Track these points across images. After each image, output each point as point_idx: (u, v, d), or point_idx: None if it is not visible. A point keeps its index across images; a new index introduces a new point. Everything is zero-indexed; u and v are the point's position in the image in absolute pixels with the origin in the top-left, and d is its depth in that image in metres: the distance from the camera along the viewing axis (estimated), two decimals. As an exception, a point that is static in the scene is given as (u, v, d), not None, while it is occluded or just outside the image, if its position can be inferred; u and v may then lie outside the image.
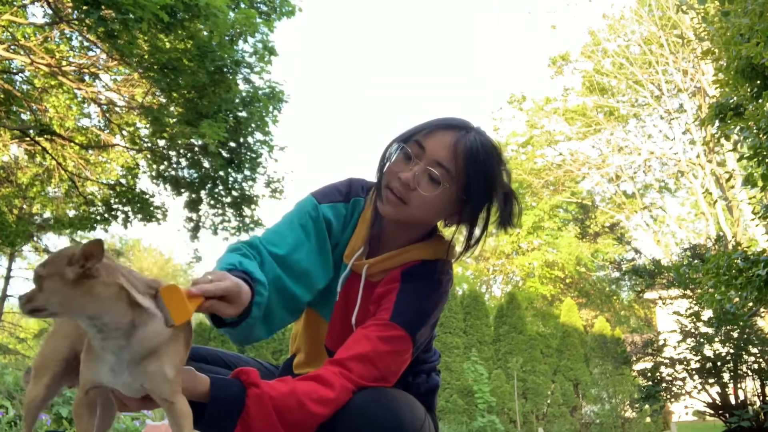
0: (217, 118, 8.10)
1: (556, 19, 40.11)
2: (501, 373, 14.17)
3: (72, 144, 9.96)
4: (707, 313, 6.52)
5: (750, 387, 6.59)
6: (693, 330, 6.61)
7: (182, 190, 10.13)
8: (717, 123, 5.51)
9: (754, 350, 6.36)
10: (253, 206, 10.12)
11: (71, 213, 10.91)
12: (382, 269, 1.40)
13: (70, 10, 7.43)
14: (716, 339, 6.42)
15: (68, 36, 9.17)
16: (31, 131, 9.33)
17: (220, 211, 10.21)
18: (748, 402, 6.41)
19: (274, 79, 9.28)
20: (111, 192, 10.43)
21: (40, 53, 8.44)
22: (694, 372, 6.61)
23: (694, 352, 6.57)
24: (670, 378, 6.83)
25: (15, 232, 9.73)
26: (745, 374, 6.50)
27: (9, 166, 10.80)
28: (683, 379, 6.74)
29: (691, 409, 6.95)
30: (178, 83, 7.88)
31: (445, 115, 1.40)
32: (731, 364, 6.44)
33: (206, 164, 9.72)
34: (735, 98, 5.28)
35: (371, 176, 1.46)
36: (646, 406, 7.26)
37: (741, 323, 6.15)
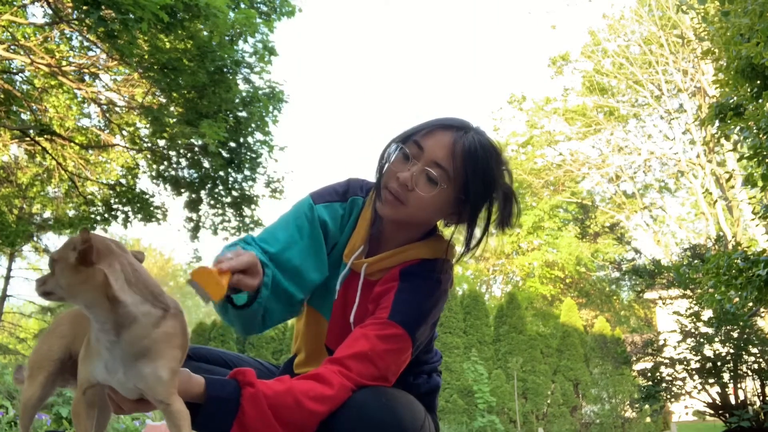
0: (217, 118, 8.09)
1: (556, 19, 40.12)
2: (501, 373, 14.17)
3: (72, 144, 9.96)
4: (707, 313, 6.52)
5: (750, 387, 6.59)
6: (693, 330, 6.61)
7: (182, 190, 10.12)
8: (717, 123, 5.51)
9: (754, 350, 6.35)
10: (253, 206, 10.12)
11: (71, 213, 10.90)
12: (381, 268, 1.40)
13: (70, 10, 7.43)
14: (716, 339, 6.41)
15: (68, 36, 9.17)
16: (31, 131, 9.32)
17: (220, 211, 10.20)
18: (748, 402, 6.41)
19: (274, 79, 9.28)
20: (111, 192, 10.43)
21: (40, 53, 8.43)
22: (694, 372, 6.60)
23: (694, 352, 6.57)
24: (670, 378, 6.83)
25: (15, 232, 9.72)
26: (745, 374, 6.50)
27: (9, 166, 10.80)
28: (683, 379, 6.74)
29: (691, 409, 6.95)
30: (178, 83, 7.88)
31: (444, 115, 1.40)
32: (731, 364, 6.43)
33: (206, 164, 9.72)
34: (735, 98, 5.28)
35: (372, 176, 1.47)
36: (646, 406, 7.26)
37: (741, 323, 6.15)
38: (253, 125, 8.97)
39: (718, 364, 6.45)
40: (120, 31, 6.36)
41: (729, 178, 13.44)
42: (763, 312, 6.54)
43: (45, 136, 9.44)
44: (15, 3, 8.08)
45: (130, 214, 10.19)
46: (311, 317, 1.48)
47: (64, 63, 8.99)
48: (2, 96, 8.58)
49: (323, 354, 1.43)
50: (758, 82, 4.90)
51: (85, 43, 8.91)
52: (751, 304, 5.34)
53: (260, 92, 8.89)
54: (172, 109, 8.74)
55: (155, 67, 7.70)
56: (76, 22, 7.45)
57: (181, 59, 7.60)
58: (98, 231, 10.28)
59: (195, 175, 10.04)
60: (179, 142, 9.09)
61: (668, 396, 6.78)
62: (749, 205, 7.40)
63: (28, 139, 9.55)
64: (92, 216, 10.13)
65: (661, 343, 6.97)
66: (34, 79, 9.49)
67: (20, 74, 9.27)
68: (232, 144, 9.31)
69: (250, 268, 1.17)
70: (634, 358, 7.42)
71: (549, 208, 23.14)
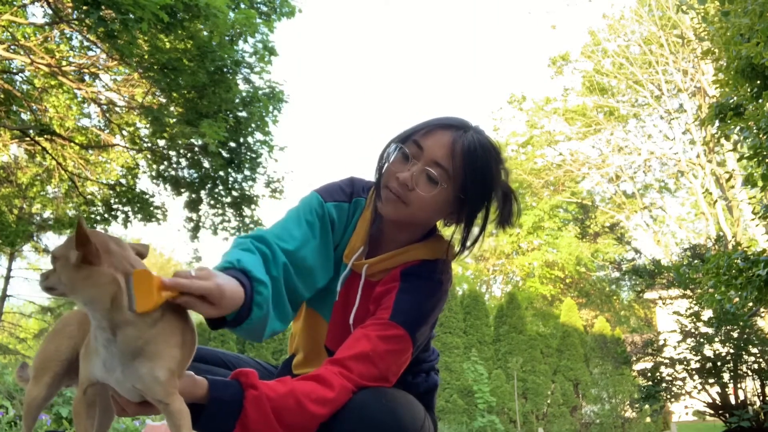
0: (217, 118, 8.09)
1: (556, 19, 40.11)
2: (501, 373, 14.17)
3: (72, 144, 9.96)
4: (707, 313, 6.52)
5: (750, 387, 6.59)
6: (693, 330, 6.61)
7: (182, 190, 10.12)
8: (717, 123, 5.51)
9: (754, 350, 6.35)
10: (253, 206, 10.12)
11: (71, 213, 10.91)
12: (381, 269, 1.40)
13: (70, 10, 7.43)
14: (716, 339, 6.41)
15: (68, 36, 9.16)
16: (31, 131, 9.32)
17: (220, 211, 10.21)
18: (748, 402, 6.41)
19: (274, 79, 9.29)
20: (111, 192, 10.43)
21: (40, 53, 8.43)
22: (694, 372, 6.60)
23: (694, 352, 6.57)
24: (670, 378, 6.82)
25: (15, 232, 9.73)
26: (745, 374, 6.50)
27: (9, 166, 10.80)
28: (683, 379, 6.74)
29: (691, 409, 6.95)
30: (178, 83, 7.88)
31: (444, 114, 1.40)
32: (731, 364, 6.43)
33: (206, 164, 9.72)
34: (735, 98, 5.28)
35: (372, 176, 1.47)
36: (646, 406, 7.26)
37: (741, 323, 6.15)
38: (253, 125, 8.97)
39: (718, 364, 6.45)
40: (120, 31, 6.36)
41: (729, 178, 13.44)
42: (763, 312, 6.54)
43: (45, 136, 9.44)
44: (15, 3, 8.08)
45: (130, 214, 10.19)
46: (310, 318, 1.48)
47: (64, 63, 8.99)
48: (2, 96, 8.58)
49: (322, 354, 1.43)
50: (758, 82, 4.91)
51: (85, 43, 8.91)
52: (751, 304, 5.34)
53: (260, 92, 8.89)
54: (172, 109, 8.74)
55: (155, 67, 7.71)
56: (76, 22, 7.45)
57: (181, 59, 7.61)
58: (98, 230, 10.27)
59: (195, 175, 10.04)
60: (179, 142, 9.09)
61: (668, 396, 6.78)
62: (749, 205, 7.39)
63: (28, 139, 9.55)
64: (92, 216, 10.13)
65: (661, 343, 6.97)
66: (34, 79, 9.49)
67: (20, 74, 9.27)
68: (232, 144, 9.31)
69: (209, 297, 1.04)
70: (634, 358, 7.42)
71: (549, 208, 23.15)
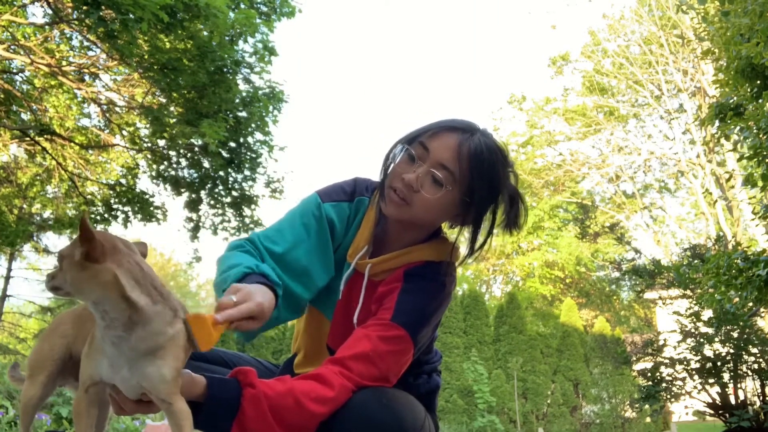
0: (217, 118, 8.09)
1: (556, 19, 40.09)
2: (501, 373, 14.17)
3: (72, 144, 9.96)
4: (707, 313, 6.52)
5: (750, 387, 6.59)
6: (693, 330, 6.61)
7: (182, 190, 10.13)
8: (717, 123, 5.51)
9: (754, 350, 6.35)
10: (253, 206, 10.12)
11: (71, 213, 10.91)
12: (385, 269, 1.39)
13: (70, 10, 7.43)
14: (716, 339, 6.41)
15: (68, 36, 9.16)
16: (31, 131, 9.32)
17: (220, 211, 10.21)
18: (748, 402, 6.41)
19: (274, 79, 9.28)
20: (111, 192, 10.43)
21: (40, 53, 8.43)
22: (694, 372, 6.60)
23: (694, 352, 6.57)
24: (670, 378, 6.82)
25: (15, 232, 9.72)
26: (745, 374, 6.50)
27: (9, 166, 10.80)
28: (683, 379, 6.74)
29: (691, 409, 6.95)
30: (178, 83, 7.88)
31: (445, 115, 1.40)
32: (731, 364, 6.43)
33: (206, 164, 9.72)
34: (735, 98, 5.28)
35: (373, 176, 1.46)
36: (646, 406, 7.26)
37: (741, 323, 6.15)
38: (253, 125, 8.97)
39: (718, 364, 6.45)
40: (120, 31, 6.36)
41: (729, 178, 13.45)
42: (763, 312, 6.54)
43: (45, 136, 9.44)
44: (15, 3, 8.08)
45: (130, 214, 10.19)
46: (313, 317, 1.48)
47: (64, 63, 8.99)
48: (2, 96, 8.58)
49: (324, 354, 1.43)
50: (758, 82, 4.91)
51: (85, 43, 8.91)
52: (751, 304, 5.34)
53: (260, 92, 8.89)
54: (172, 109, 8.74)
55: (155, 67, 7.71)
56: (76, 22, 7.45)
57: (181, 59, 7.60)
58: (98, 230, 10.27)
59: (195, 175, 10.04)
60: (179, 142, 9.09)
61: (668, 396, 6.78)
62: (749, 205, 7.40)
63: (28, 139, 9.55)
64: (92, 216, 10.13)
65: (661, 343, 6.97)
66: (34, 79, 9.49)
67: (20, 74, 9.27)
68: (232, 144, 9.31)
69: (254, 316, 1.11)
70: (634, 358, 7.42)
71: (549, 208, 23.15)
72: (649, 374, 6.92)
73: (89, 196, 10.49)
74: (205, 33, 7.38)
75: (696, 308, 6.60)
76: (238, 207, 10.08)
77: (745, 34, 4.83)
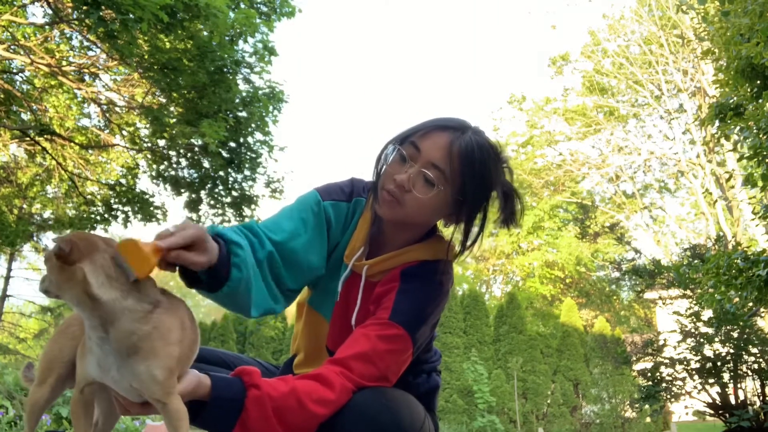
0: (217, 118, 8.09)
1: (556, 19, 40.07)
2: (501, 373, 14.17)
3: (72, 144, 9.96)
4: (707, 313, 6.52)
5: (750, 387, 6.59)
6: (693, 330, 6.61)
7: (182, 190, 10.13)
8: (717, 123, 5.51)
9: (754, 350, 6.35)
10: (253, 206, 10.12)
11: (71, 213, 10.91)
12: (382, 269, 1.40)
13: (70, 10, 7.43)
14: (716, 339, 6.41)
15: (68, 36, 9.16)
16: (31, 131, 9.32)
17: (220, 211, 10.21)
18: (748, 402, 6.41)
19: (274, 79, 9.29)
20: (111, 192, 10.43)
21: (40, 53, 8.43)
22: (694, 372, 6.60)
23: (694, 352, 6.57)
24: (670, 378, 6.83)
25: (15, 232, 9.72)
26: (745, 374, 6.50)
27: (9, 166, 10.80)
28: (683, 379, 6.74)
29: (691, 409, 6.95)
30: (178, 83, 7.88)
31: (443, 114, 1.39)
32: (731, 364, 6.43)
33: (206, 164, 9.72)
34: (735, 98, 5.28)
35: (372, 177, 1.46)
36: (646, 406, 7.26)
37: (741, 323, 6.15)
38: (253, 125, 8.97)
39: (718, 364, 6.45)
40: (120, 31, 6.36)
41: (729, 178, 13.43)
42: (763, 312, 6.54)
43: (45, 136, 9.44)
44: (15, 3, 8.08)
45: (130, 214, 10.19)
46: (311, 318, 1.48)
47: (64, 63, 8.99)
48: (2, 96, 8.58)
49: (323, 355, 1.43)
50: (758, 82, 4.91)
51: (85, 43, 8.91)
52: (751, 304, 5.34)
53: (260, 92, 8.89)
54: (172, 109, 8.74)
55: (155, 67, 7.71)
56: (76, 22, 7.45)
57: (181, 59, 7.61)
58: (98, 231, 10.28)
59: (195, 175, 10.04)
60: (179, 142, 9.09)
61: (668, 396, 6.78)
62: (749, 205, 7.40)
63: (28, 139, 9.55)
64: (92, 216, 10.14)
65: (661, 343, 6.97)
66: (34, 79, 9.49)
67: (20, 74, 9.27)
68: (232, 144, 9.31)
69: (195, 243, 1.06)
70: (634, 358, 7.41)
71: (549, 208, 23.14)
72: (649, 374, 6.92)
73: (89, 196, 10.49)
74: (205, 33, 7.39)
75: (696, 308, 6.60)
76: (238, 207, 10.08)
77: (745, 34, 4.83)
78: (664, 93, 18.50)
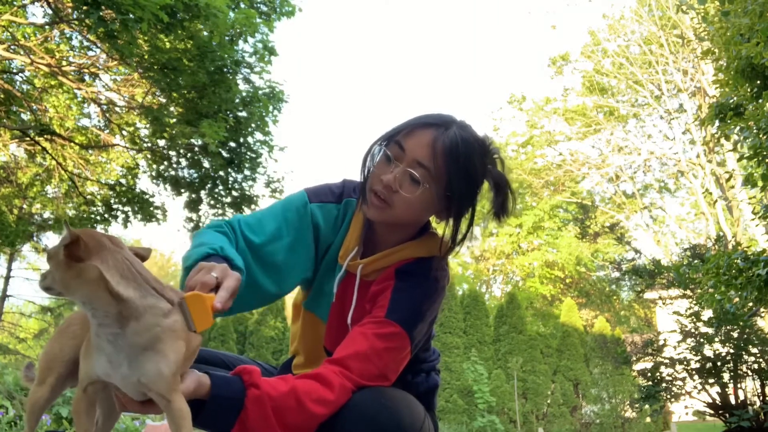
0: (217, 118, 8.10)
1: (556, 19, 40.07)
2: (501, 373, 14.17)
3: (72, 144, 9.96)
4: (707, 313, 6.52)
5: (750, 387, 6.59)
6: (693, 330, 6.61)
7: (182, 190, 10.13)
8: (717, 123, 5.51)
9: (754, 350, 6.36)
10: (253, 206, 10.11)
11: (71, 213, 10.90)
12: (376, 268, 1.39)
13: (70, 10, 7.43)
14: (716, 339, 6.42)
15: (68, 36, 9.16)
16: (31, 131, 9.32)
17: (220, 211, 10.20)
18: (748, 402, 6.41)
19: (274, 79, 9.29)
20: (111, 192, 10.43)
21: (40, 53, 8.43)
22: (694, 372, 6.61)
23: (694, 352, 6.57)
24: (670, 378, 6.83)
25: (15, 232, 9.72)
26: (745, 374, 6.50)
27: (9, 166, 10.80)
28: (683, 379, 6.74)
29: (691, 409, 6.95)
30: (178, 83, 7.88)
31: (429, 112, 1.38)
32: (731, 364, 6.44)
33: (206, 164, 9.72)
34: (735, 98, 5.28)
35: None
36: (646, 406, 7.26)
37: (741, 323, 6.15)
38: (253, 125, 8.97)
39: (718, 364, 6.45)
40: (120, 31, 6.36)
41: (729, 178, 13.43)
42: (763, 312, 6.54)
43: (45, 136, 9.44)
44: (15, 3, 8.08)
45: (130, 214, 10.19)
46: (308, 320, 1.48)
47: (64, 63, 8.99)
48: (2, 96, 8.58)
49: (322, 356, 1.43)
50: (758, 82, 4.90)
51: (85, 43, 8.91)
52: (751, 304, 5.33)
53: (260, 92, 8.89)
54: (172, 109, 8.74)
55: (155, 67, 7.71)
56: (76, 22, 7.45)
57: (181, 59, 7.60)
58: (98, 230, 10.26)
59: (195, 175, 10.04)
60: (179, 142, 9.09)
61: (668, 396, 6.78)
62: (749, 205, 7.40)
63: (28, 139, 9.55)
64: (92, 216, 10.14)
65: (661, 343, 6.98)
66: (34, 79, 9.49)
67: (20, 74, 9.27)
68: (232, 144, 9.31)
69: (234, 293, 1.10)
70: (634, 358, 7.42)
71: (549, 208, 23.15)
72: (649, 374, 6.92)
73: (89, 196, 10.49)
74: (205, 33, 7.38)
75: (696, 308, 6.60)
76: (238, 207, 10.07)
77: (745, 34, 4.83)
78: (664, 93, 18.50)
